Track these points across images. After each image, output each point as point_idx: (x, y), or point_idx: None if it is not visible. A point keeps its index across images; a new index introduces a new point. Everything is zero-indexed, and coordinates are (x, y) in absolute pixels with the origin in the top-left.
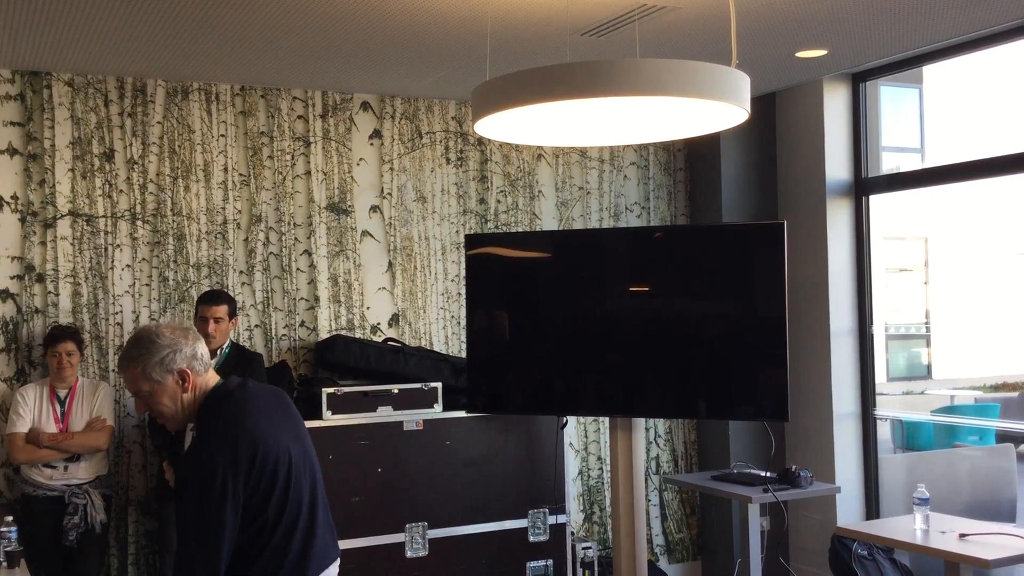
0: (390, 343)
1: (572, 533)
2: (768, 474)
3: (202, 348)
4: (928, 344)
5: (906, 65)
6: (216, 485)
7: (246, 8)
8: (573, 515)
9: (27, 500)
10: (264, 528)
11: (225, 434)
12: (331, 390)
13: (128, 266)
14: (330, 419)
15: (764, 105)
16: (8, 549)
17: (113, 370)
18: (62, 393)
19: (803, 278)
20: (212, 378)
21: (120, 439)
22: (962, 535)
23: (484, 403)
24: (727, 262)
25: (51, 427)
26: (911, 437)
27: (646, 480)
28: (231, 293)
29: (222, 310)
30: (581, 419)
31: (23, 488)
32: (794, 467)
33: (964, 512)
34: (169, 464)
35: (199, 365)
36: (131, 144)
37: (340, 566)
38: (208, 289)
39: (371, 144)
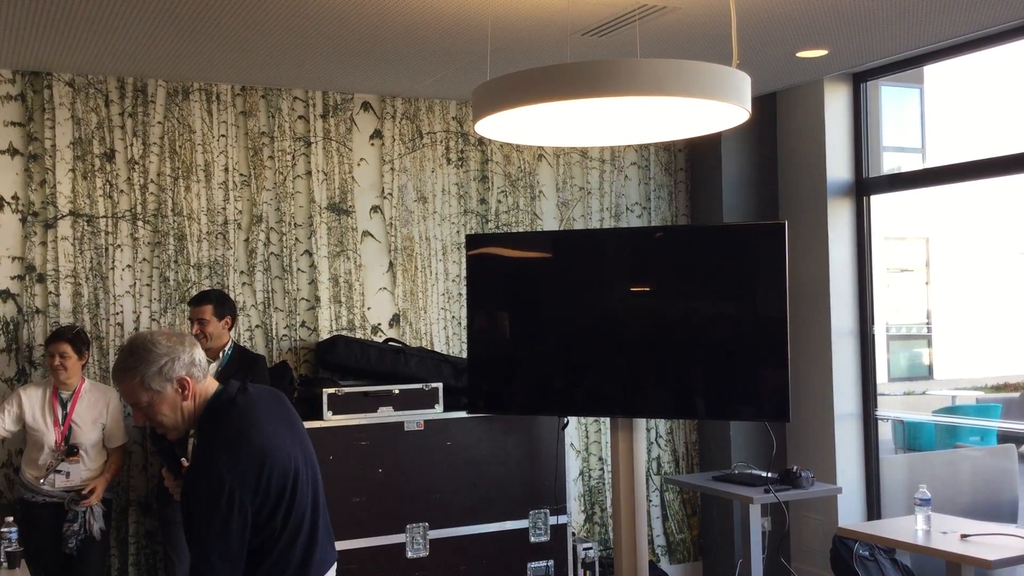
0: (391, 343)
1: (573, 534)
2: (769, 474)
3: (199, 354)
4: (929, 344)
5: (907, 65)
6: (224, 499)
7: (247, 8)
8: (574, 515)
9: (26, 505)
10: (271, 536)
11: (230, 447)
12: (332, 390)
13: (129, 266)
14: (331, 419)
15: (765, 105)
16: (8, 550)
17: None
18: (65, 395)
19: (804, 278)
20: (211, 384)
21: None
22: (963, 536)
23: (485, 403)
24: (728, 262)
25: (50, 430)
26: (912, 437)
27: (647, 480)
28: (232, 293)
29: (206, 311)
30: (582, 419)
31: (21, 493)
32: (795, 467)
33: (965, 513)
34: (168, 471)
35: (198, 372)
36: (132, 144)
37: (341, 567)
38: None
39: (372, 144)
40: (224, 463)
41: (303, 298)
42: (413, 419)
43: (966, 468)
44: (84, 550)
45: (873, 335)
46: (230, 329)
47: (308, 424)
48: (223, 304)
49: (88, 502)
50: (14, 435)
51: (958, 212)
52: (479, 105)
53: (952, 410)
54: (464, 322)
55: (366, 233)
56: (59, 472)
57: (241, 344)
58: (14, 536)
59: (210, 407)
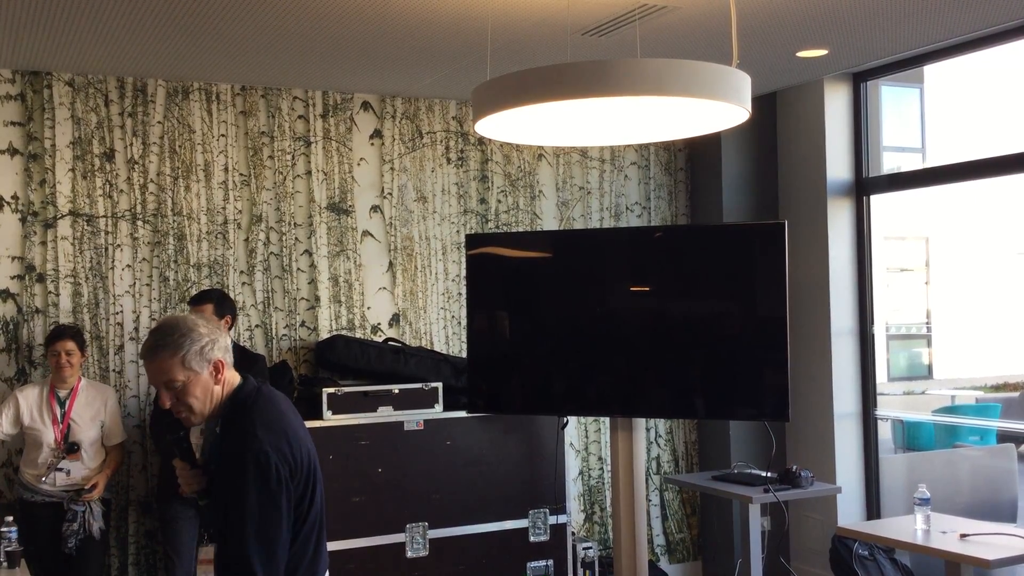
0: (390, 343)
1: (573, 533)
2: (769, 474)
3: (229, 342)
4: (929, 344)
5: (907, 65)
6: (272, 476)
7: (247, 8)
8: (574, 515)
9: (25, 506)
10: (295, 524)
11: (271, 427)
12: (331, 390)
13: (128, 266)
14: (330, 419)
15: (765, 105)
16: (8, 549)
17: (114, 370)
18: (62, 394)
19: (804, 278)
20: (235, 375)
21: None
22: (963, 535)
23: (484, 403)
24: (728, 262)
25: (49, 428)
26: (912, 437)
27: (647, 480)
28: (231, 293)
29: (207, 310)
30: (581, 419)
31: (21, 493)
32: (795, 467)
33: (965, 512)
34: (183, 461)
35: (229, 358)
36: (131, 144)
37: (341, 566)
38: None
39: (372, 144)
40: (267, 441)
41: (303, 298)
42: (413, 419)
43: (965, 468)
44: (83, 550)
45: (873, 335)
46: (230, 328)
47: (308, 424)
48: (223, 303)
49: (90, 496)
50: (13, 437)
51: (958, 212)
52: (479, 105)
53: (952, 410)
54: (464, 322)
55: (366, 233)
56: (60, 470)
57: (241, 344)
58: (14, 536)
59: (237, 395)
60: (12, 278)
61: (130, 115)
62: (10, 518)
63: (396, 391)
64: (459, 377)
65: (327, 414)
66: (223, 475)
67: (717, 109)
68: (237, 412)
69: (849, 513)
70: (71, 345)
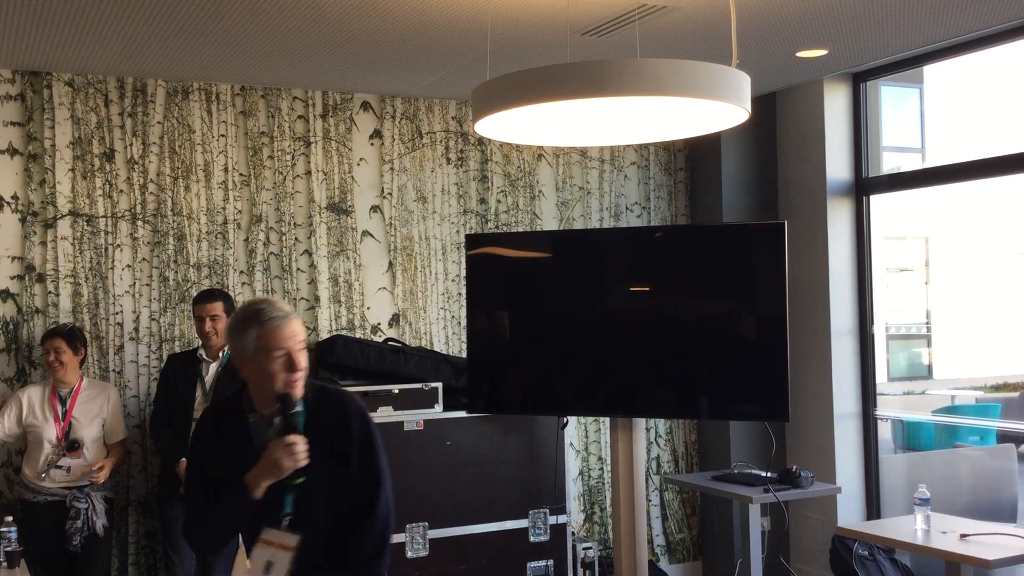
0: (390, 343)
1: (573, 533)
2: (769, 474)
3: None
4: (929, 344)
5: (907, 65)
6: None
7: (247, 8)
8: (574, 515)
9: (27, 506)
10: None
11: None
12: None
13: (128, 266)
14: None
15: (764, 105)
16: (8, 549)
17: (114, 370)
18: (64, 392)
19: (804, 278)
20: None
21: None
22: (963, 535)
23: (484, 403)
24: (727, 262)
25: (51, 428)
26: (912, 437)
27: (647, 480)
28: (231, 293)
29: (217, 307)
30: (581, 419)
31: (22, 494)
32: (795, 467)
33: (965, 512)
34: (299, 434)
35: None
36: (131, 144)
37: None
38: (204, 289)
39: (371, 144)
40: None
41: (303, 298)
42: (413, 419)
43: (965, 468)
44: (88, 547)
45: (873, 335)
46: None
47: None
48: (230, 301)
49: (96, 478)
50: (16, 437)
51: (958, 212)
52: (479, 105)
53: (951, 410)
54: (464, 322)
55: (366, 233)
56: (59, 467)
57: None
58: (14, 536)
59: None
60: (12, 278)
61: (130, 115)
62: (10, 518)
63: (396, 391)
64: (459, 377)
65: None
66: (358, 443)
67: (717, 109)
68: (316, 386)
69: (849, 513)
70: (60, 344)
